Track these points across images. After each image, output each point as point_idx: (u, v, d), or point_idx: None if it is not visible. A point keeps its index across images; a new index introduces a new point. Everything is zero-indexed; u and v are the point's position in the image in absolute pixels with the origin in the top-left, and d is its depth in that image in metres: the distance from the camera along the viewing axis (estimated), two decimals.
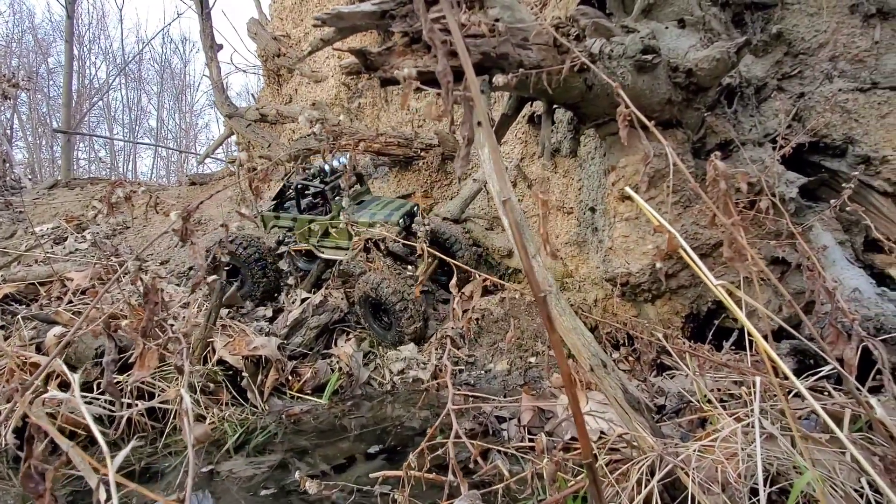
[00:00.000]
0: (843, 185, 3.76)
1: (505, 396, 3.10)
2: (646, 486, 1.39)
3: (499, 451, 2.30)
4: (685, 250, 1.65)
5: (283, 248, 5.07)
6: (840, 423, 1.62)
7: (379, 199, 5.17)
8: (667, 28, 3.52)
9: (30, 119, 21.71)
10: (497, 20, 2.34)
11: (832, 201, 3.55)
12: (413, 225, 4.74)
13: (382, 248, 4.56)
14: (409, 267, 4.72)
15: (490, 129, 2.37)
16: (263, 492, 2.30)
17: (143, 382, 3.13)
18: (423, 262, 4.56)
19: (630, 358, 3.86)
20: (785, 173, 3.62)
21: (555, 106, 3.11)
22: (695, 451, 1.50)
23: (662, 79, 3.27)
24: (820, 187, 3.92)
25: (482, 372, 3.75)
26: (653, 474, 1.40)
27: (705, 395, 2.15)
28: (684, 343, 3.02)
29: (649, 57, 2.95)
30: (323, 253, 4.80)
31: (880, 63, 3.70)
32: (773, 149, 3.75)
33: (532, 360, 3.85)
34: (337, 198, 4.80)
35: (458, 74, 2.46)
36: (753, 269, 1.95)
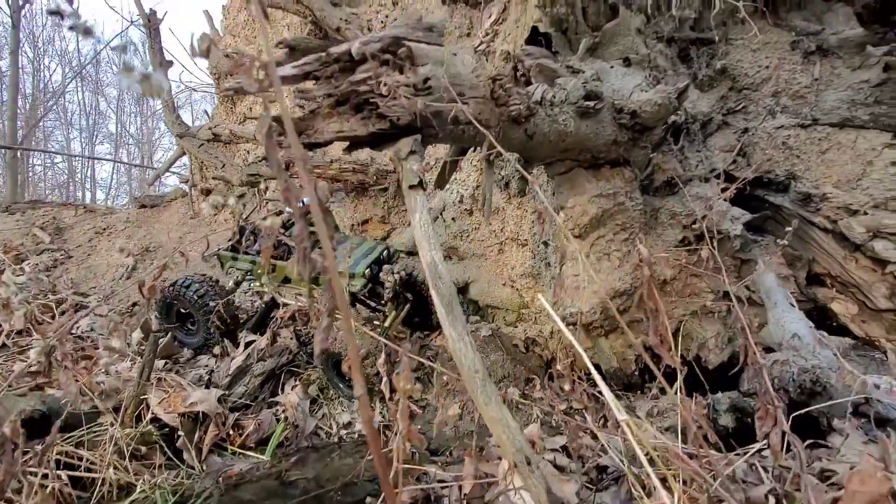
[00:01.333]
0: (787, 224, 3.83)
1: (452, 451, 3.01)
2: None
3: None
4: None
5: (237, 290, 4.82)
6: None
7: (347, 241, 4.90)
8: (612, 67, 3.50)
9: None
10: (428, 78, 2.26)
11: (778, 241, 3.60)
12: (381, 274, 4.35)
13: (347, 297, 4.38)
14: (378, 316, 4.44)
15: (422, 193, 2.27)
16: None
17: (66, 452, 2.92)
18: (391, 315, 4.29)
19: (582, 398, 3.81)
20: (730, 210, 3.64)
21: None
22: None
23: (607, 121, 3.24)
24: (766, 221, 3.97)
25: (434, 414, 3.64)
26: None
27: (633, 455, 2.09)
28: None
29: (591, 103, 2.91)
30: (283, 297, 4.50)
31: (820, 99, 3.76)
32: (718, 185, 3.78)
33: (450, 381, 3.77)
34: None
35: (384, 137, 2.36)
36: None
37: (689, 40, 3.92)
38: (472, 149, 3.48)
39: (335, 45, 2.51)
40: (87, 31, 0.88)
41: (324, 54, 2.08)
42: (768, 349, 3.21)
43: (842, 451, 2.00)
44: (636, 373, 4.07)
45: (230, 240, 4.93)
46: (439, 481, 2.64)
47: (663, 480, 1.57)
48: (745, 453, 1.95)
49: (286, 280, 4.44)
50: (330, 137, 2.10)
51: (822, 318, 3.72)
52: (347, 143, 2.27)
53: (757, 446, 1.96)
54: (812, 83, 3.77)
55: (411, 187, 2.20)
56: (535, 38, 3.74)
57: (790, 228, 3.13)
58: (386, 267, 4.36)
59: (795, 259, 3.77)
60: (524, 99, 2.55)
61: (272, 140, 0.88)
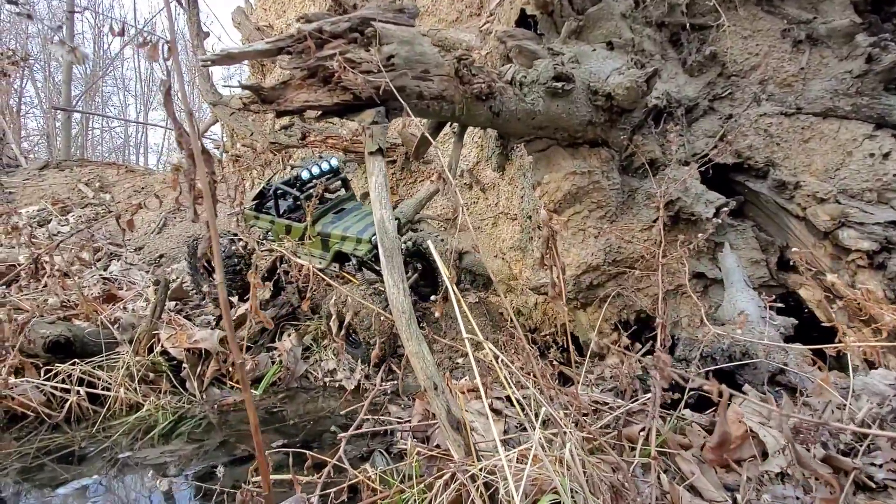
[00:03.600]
0: (765, 209, 3.93)
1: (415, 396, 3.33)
2: (439, 495, 1.63)
3: (380, 452, 2.55)
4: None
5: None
6: (636, 442, 1.83)
7: (360, 209, 4.99)
8: (594, 50, 3.64)
9: (45, 87, 21.92)
10: (392, 56, 2.52)
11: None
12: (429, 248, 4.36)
13: (354, 261, 4.52)
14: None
15: (381, 159, 2.58)
16: (156, 481, 2.57)
17: (87, 372, 3.41)
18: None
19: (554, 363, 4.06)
20: (705, 193, 3.76)
21: (469, 128, 3.29)
22: (506, 463, 1.72)
23: (581, 102, 3.42)
24: (746, 204, 4.06)
25: (410, 372, 3.97)
26: (446, 487, 1.63)
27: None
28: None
29: (559, 84, 3.10)
30: (299, 258, 4.56)
31: (806, 88, 3.80)
32: (699, 168, 3.89)
33: (460, 360, 4.08)
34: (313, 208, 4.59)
35: (350, 107, 2.66)
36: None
37: (680, 25, 4.00)
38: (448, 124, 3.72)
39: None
40: (29, 16, 1.18)
41: (296, 31, 2.36)
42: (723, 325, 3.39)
43: (740, 408, 2.21)
44: (615, 343, 4.28)
45: (253, 199, 5.19)
46: (397, 419, 2.98)
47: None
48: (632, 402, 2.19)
49: (301, 239, 4.63)
50: (298, 106, 2.41)
51: (788, 302, 3.83)
52: (319, 112, 2.57)
53: (648, 397, 2.19)
54: (799, 72, 3.81)
55: (371, 153, 2.49)
56: (525, 20, 3.91)
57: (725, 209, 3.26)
58: (406, 237, 4.49)
59: (769, 244, 3.87)
60: (487, 78, 2.78)
61: (169, 98, 1.18)
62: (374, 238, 4.31)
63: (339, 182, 5.23)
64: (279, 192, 4.78)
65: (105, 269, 5.08)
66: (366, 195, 6.07)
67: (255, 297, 2.00)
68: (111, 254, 5.66)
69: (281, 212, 4.81)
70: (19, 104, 18.98)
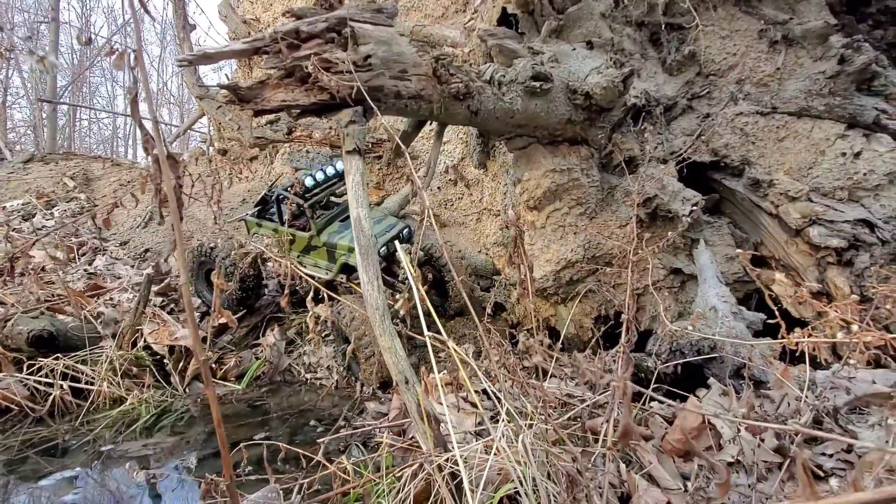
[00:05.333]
0: (741, 207, 4.01)
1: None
2: (407, 484, 1.69)
3: (357, 445, 2.61)
4: None
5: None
6: (598, 434, 1.91)
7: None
8: (574, 50, 3.69)
9: (31, 78, 21.61)
10: (369, 56, 2.55)
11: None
12: (398, 252, 4.14)
13: None
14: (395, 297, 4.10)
15: (359, 158, 2.62)
16: (137, 473, 2.62)
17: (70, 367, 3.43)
18: (402, 296, 4.10)
19: (528, 356, 4.12)
20: (682, 190, 3.84)
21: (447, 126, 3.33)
22: (472, 454, 1.78)
23: (560, 101, 3.47)
24: (723, 202, 4.15)
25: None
26: (414, 476, 1.69)
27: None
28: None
29: (537, 84, 3.15)
30: (305, 268, 4.38)
31: (781, 88, 3.88)
32: (676, 167, 3.97)
33: (441, 354, 4.14)
34: (317, 216, 4.37)
35: (327, 107, 2.70)
36: None
37: (659, 24, 4.05)
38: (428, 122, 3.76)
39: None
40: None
41: (273, 31, 2.40)
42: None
43: (703, 399, 2.29)
44: (592, 338, 4.36)
45: (256, 205, 4.91)
46: (377, 412, 3.04)
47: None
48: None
49: (306, 250, 4.40)
50: (276, 105, 2.44)
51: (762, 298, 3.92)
52: (297, 112, 2.60)
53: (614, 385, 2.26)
54: (775, 72, 3.89)
55: (348, 152, 2.53)
56: (507, 18, 3.95)
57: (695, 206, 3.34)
58: (404, 246, 4.04)
59: (744, 241, 3.96)
60: (465, 77, 2.82)
61: (136, 106, 1.22)
62: (382, 250, 4.12)
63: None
64: (282, 198, 4.49)
65: (90, 264, 5.09)
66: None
67: (218, 297, 2.04)
68: (96, 248, 5.65)
69: (284, 218, 4.50)
70: (5, 95, 18.74)
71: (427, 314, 1.77)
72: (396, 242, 2.85)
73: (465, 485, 1.56)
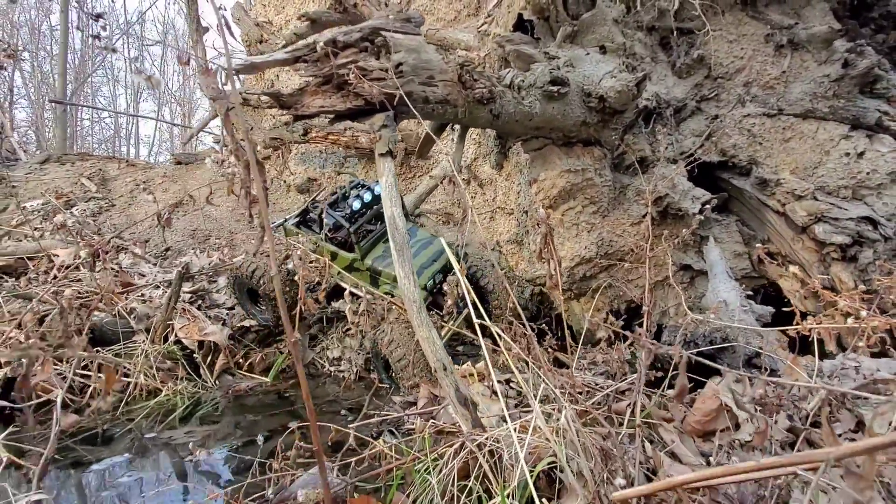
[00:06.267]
0: (748, 205, 4.15)
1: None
2: (451, 462, 1.84)
3: (390, 431, 2.77)
4: None
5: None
6: (624, 415, 2.06)
7: (415, 239, 4.42)
8: (588, 54, 3.84)
9: (32, 77, 21.77)
10: (400, 63, 2.70)
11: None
12: (446, 286, 3.65)
13: None
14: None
15: (391, 160, 2.77)
16: (188, 457, 2.77)
17: (105, 359, 3.59)
18: (452, 321, 3.84)
19: (549, 350, 4.27)
20: (692, 189, 3.98)
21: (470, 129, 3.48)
22: (509, 433, 1.94)
23: (576, 104, 3.62)
24: (731, 200, 4.30)
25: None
26: (456, 455, 1.85)
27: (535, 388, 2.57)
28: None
29: (555, 88, 3.29)
30: (345, 284, 4.24)
31: (787, 91, 4.02)
32: (686, 167, 4.11)
33: (460, 348, 4.30)
34: (363, 241, 4.18)
35: (362, 112, 2.86)
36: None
37: (669, 29, 4.20)
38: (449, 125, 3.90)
39: (356, 19, 2.99)
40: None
41: (311, 41, 2.55)
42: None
43: (717, 387, 2.45)
44: (605, 333, 4.51)
45: (297, 215, 4.77)
46: (405, 402, 3.19)
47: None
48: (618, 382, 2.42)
49: (348, 269, 4.22)
50: (314, 111, 2.59)
51: (770, 294, 4.08)
52: (332, 116, 2.76)
53: (635, 376, 2.42)
54: (781, 75, 4.03)
55: (381, 155, 2.69)
56: (522, 23, 4.09)
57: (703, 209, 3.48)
58: (452, 278, 3.61)
59: (752, 238, 4.11)
60: (488, 83, 2.97)
61: (228, 118, 1.37)
62: (429, 284, 3.98)
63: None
64: (326, 216, 4.24)
65: (115, 262, 5.25)
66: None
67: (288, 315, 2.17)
68: (118, 247, 5.81)
69: (325, 231, 4.33)
70: (11, 96, 18.90)
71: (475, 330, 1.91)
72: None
73: (506, 460, 1.71)
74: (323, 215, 4.26)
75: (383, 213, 4.71)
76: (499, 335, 2.01)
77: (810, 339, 2.54)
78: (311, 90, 2.61)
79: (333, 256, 4.22)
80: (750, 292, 3.95)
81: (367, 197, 4.35)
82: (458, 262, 2.31)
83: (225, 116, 1.33)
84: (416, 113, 2.92)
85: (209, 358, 3.96)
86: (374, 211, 4.35)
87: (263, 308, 4.36)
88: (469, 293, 1.99)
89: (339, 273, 4.22)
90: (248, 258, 4.33)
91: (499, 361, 3.96)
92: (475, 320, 2.05)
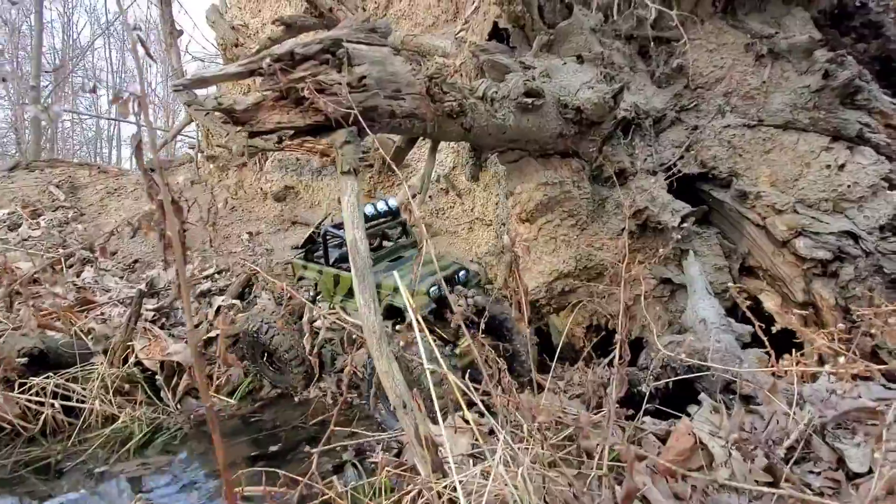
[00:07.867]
0: (729, 218, 4.07)
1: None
2: None
3: (353, 464, 2.63)
4: None
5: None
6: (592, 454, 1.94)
7: (414, 255, 4.32)
8: (564, 64, 3.73)
9: (11, 77, 21.21)
10: (364, 77, 2.56)
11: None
12: (453, 296, 3.51)
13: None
14: (446, 347, 3.73)
15: (354, 179, 2.62)
16: (139, 494, 2.61)
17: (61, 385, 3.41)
18: (462, 344, 3.74)
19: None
20: (672, 202, 3.89)
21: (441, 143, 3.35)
22: (468, 480, 1.81)
23: (552, 115, 3.51)
24: (712, 212, 4.21)
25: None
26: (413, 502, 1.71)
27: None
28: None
29: (529, 100, 3.18)
30: (348, 314, 4.07)
31: (767, 101, 3.95)
32: (665, 179, 4.02)
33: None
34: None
35: (324, 128, 2.70)
36: None
37: (648, 38, 4.10)
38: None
39: (332, 24, 2.83)
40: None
41: (267, 52, 2.40)
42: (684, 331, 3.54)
43: (694, 417, 2.34)
44: (584, 348, 4.39)
45: (302, 246, 4.61)
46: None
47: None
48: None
49: (351, 293, 3.85)
50: (271, 127, 2.44)
51: (754, 306, 3.99)
52: (292, 132, 2.61)
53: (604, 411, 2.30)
54: (761, 85, 3.96)
55: (343, 173, 2.54)
56: (498, 31, 3.97)
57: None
58: (458, 289, 3.73)
59: (731, 251, 4.03)
60: (458, 95, 2.84)
61: (140, 152, 1.22)
62: (432, 290, 3.72)
63: (399, 227, 4.59)
64: (329, 236, 4.18)
65: (78, 276, 5.03)
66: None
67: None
68: (84, 259, 5.59)
69: (332, 260, 4.21)
70: None
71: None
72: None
73: None
74: (326, 236, 4.19)
75: (384, 231, 4.65)
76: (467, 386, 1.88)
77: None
78: (268, 105, 2.46)
79: (336, 282, 4.14)
80: (727, 305, 3.89)
81: (370, 210, 4.22)
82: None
83: (137, 151, 1.19)
84: (382, 126, 2.78)
85: (173, 379, 3.78)
86: (379, 227, 4.37)
87: (280, 368, 4.08)
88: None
89: (342, 301, 4.13)
90: (249, 316, 4.10)
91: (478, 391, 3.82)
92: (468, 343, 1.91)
